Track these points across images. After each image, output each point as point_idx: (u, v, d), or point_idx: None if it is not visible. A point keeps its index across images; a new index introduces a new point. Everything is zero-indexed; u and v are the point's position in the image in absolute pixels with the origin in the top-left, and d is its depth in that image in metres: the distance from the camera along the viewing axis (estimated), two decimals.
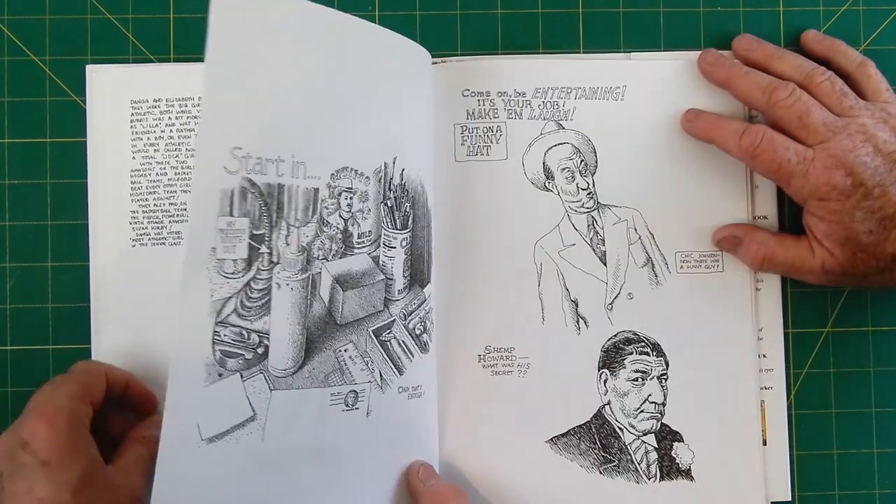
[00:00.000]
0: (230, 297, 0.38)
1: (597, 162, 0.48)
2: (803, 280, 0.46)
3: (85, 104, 0.47)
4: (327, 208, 0.41)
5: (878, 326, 0.49)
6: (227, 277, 0.38)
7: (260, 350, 0.39)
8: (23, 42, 0.48)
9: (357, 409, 0.42)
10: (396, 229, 0.43)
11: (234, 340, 0.38)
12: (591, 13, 0.49)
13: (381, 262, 0.43)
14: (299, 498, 0.41)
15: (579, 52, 0.49)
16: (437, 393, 0.46)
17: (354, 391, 0.42)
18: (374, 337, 0.43)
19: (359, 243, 0.42)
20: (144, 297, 0.46)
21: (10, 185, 0.47)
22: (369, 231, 0.42)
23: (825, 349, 0.49)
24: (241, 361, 0.39)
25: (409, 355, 0.44)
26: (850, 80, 0.46)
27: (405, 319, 0.44)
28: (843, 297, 0.49)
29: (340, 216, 0.41)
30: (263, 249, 0.39)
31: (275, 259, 0.39)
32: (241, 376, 0.39)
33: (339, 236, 0.41)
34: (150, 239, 0.46)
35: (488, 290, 0.47)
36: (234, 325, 0.38)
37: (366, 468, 0.43)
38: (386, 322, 0.44)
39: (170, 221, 0.46)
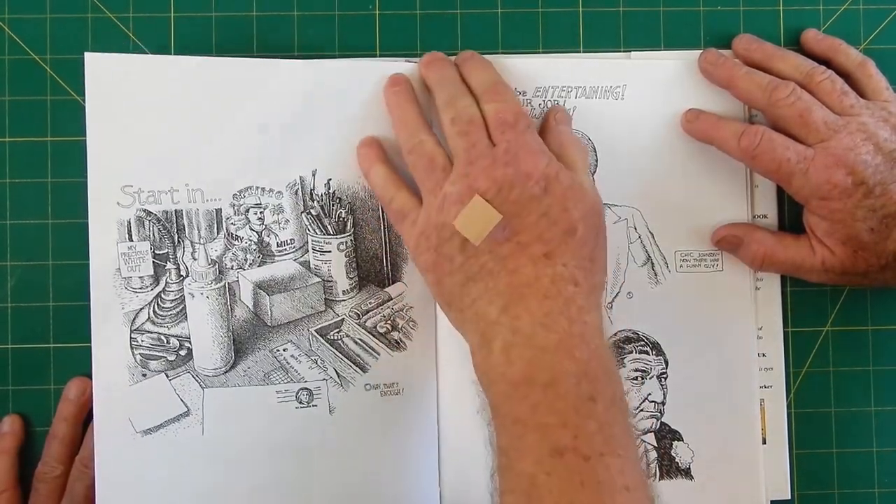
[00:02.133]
0: (142, 308, 0.44)
1: (597, 161, 0.48)
2: (803, 279, 0.46)
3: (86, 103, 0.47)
4: (234, 224, 0.45)
5: (878, 325, 0.49)
6: (136, 292, 0.44)
7: (182, 352, 0.45)
8: (23, 41, 0.48)
9: (315, 406, 0.45)
10: (329, 234, 0.46)
11: (152, 344, 0.44)
12: (591, 12, 0.49)
13: (313, 266, 0.46)
14: (265, 492, 0.45)
15: (579, 52, 0.49)
16: (437, 392, 0.47)
17: (307, 389, 0.45)
18: (318, 336, 0.46)
19: (280, 251, 0.46)
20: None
21: (10, 184, 0.47)
22: (291, 239, 0.46)
23: (825, 348, 0.49)
24: (163, 363, 0.45)
25: (373, 353, 0.46)
26: (851, 80, 0.46)
27: (359, 318, 0.46)
28: (842, 296, 0.49)
29: (251, 229, 0.45)
30: (170, 266, 0.45)
31: (183, 273, 0.45)
32: (167, 375, 0.44)
33: (254, 247, 0.45)
34: None
35: None
36: (151, 332, 0.44)
37: (341, 465, 0.45)
38: (331, 322, 0.46)
39: None
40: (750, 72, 0.45)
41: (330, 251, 0.46)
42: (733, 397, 0.47)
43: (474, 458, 0.46)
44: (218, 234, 0.45)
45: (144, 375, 0.44)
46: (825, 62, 0.46)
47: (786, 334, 0.48)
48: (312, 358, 0.46)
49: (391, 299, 0.47)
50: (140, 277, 0.44)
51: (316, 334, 0.46)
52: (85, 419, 0.46)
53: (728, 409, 0.47)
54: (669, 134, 0.48)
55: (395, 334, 0.46)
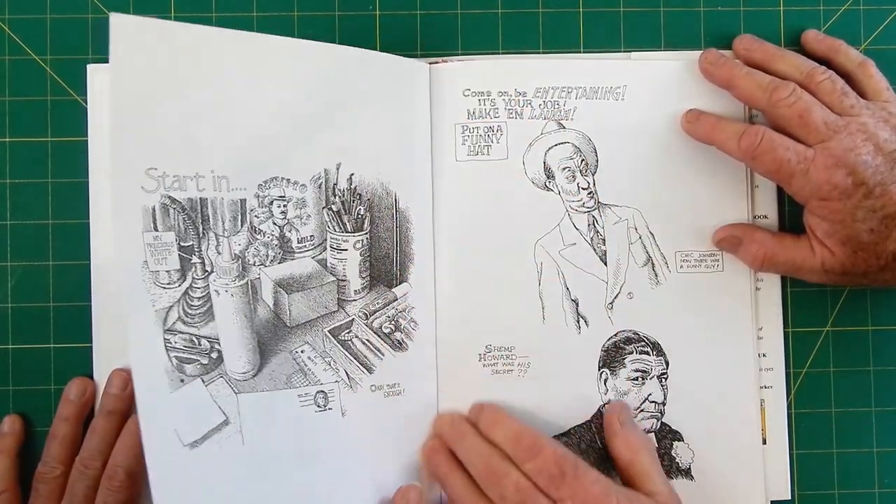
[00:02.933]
0: (172, 306, 0.41)
1: (597, 161, 0.48)
2: (803, 279, 0.46)
3: (86, 103, 0.47)
4: (258, 217, 0.43)
5: (878, 326, 0.49)
6: (164, 288, 0.41)
7: (213, 355, 0.42)
8: (24, 41, 0.48)
9: (330, 409, 0.44)
10: (347, 232, 0.45)
11: (185, 346, 0.41)
12: (591, 13, 0.49)
13: (329, 265, 0.45)
14: (297, 500, 0.43)
15: (580, 52, 0.49)
16: (437, 392, 0.47)
17: (323, 392, 0.44)
18: (331, 337, 0.45)
19: (300, 248, 0.44)
20: None
21: (11, 185, 0.47)
22: (311, 235, 0.44)
23: (825, 348, 0.49)
24: (198, 367, 0.41)
25: (378, 354, 0.46)
26: (851, 80, 0.46)
27: (367, 319, 0.46)
28: (842, 296, 0.49)
29: (274, 223, 0.43)
30: (195, 259, 0.42)
31: (208, 268, 0.42)
32: (203, 381, 0.41)
33: (276, 242, 0.43)
34: None
35: (488, 290, 0.47)
36: (183, 332, 0.41)
37: (353, 469, 0.44)
38: (343, 322, 0.45)
39: None
40: (750, 72, 0.45)
41: (347, 249, 0.45)
42: (733, 398, 0.47)
43: None
44: (241, 226, 0.43)
45: (182, 381, 0.41)
46: (825, 62, 0.46)
47: (786, 335, 0.48)
48: (326, 359, 0.45)
49: (396, 299, 0.46)
50: (167, 272, 0.41)
51: (329, 335, 0.45)
52: (85, 419, 0.46)
53: (728, 409, 0.47)
54: (670, 134, 0.48)
55: (398, 335, 0.46)
